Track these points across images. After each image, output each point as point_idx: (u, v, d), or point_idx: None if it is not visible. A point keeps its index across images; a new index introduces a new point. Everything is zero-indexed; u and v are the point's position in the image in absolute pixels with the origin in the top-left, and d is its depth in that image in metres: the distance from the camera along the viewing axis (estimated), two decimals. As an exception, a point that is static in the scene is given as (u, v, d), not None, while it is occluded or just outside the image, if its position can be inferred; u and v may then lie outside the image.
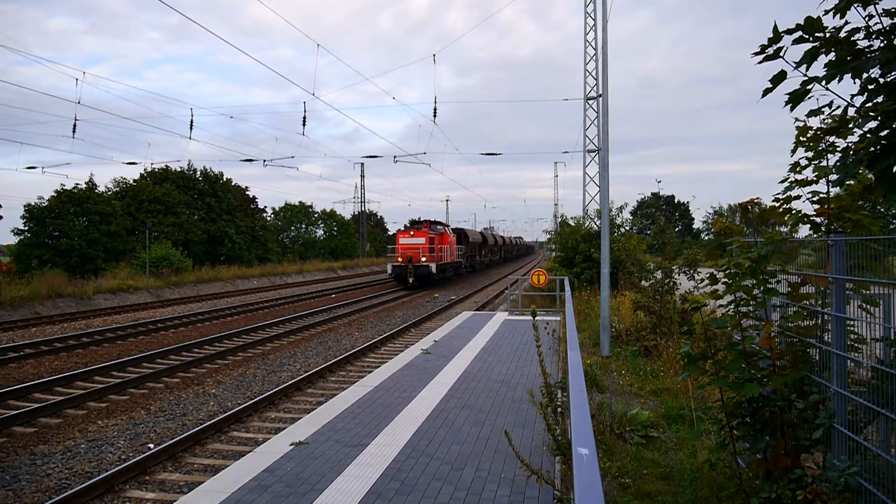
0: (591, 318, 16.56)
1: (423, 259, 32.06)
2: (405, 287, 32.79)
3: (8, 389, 10.03)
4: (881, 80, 3.27)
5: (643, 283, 18.90)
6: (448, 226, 40.61)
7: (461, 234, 43.95)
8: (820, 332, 4.37)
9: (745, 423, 4.33)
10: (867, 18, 3.25)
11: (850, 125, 4.00)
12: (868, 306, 3.89)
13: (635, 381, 10.21)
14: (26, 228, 36.74)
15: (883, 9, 3.19)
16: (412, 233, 33.43)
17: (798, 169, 4.79)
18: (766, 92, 3.55)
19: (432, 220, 38.05)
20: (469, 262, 46.00)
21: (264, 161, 32.01)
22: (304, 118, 25.63)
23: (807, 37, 3.34)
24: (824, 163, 4.62)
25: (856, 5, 3.23)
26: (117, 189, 44.67)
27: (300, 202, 70.48)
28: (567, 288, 15.55)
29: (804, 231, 5.09)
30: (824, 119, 4.29)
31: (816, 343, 4.36)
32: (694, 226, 77.27)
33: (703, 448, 6.32)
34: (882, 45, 3.21)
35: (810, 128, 4.58)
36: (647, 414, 7.91)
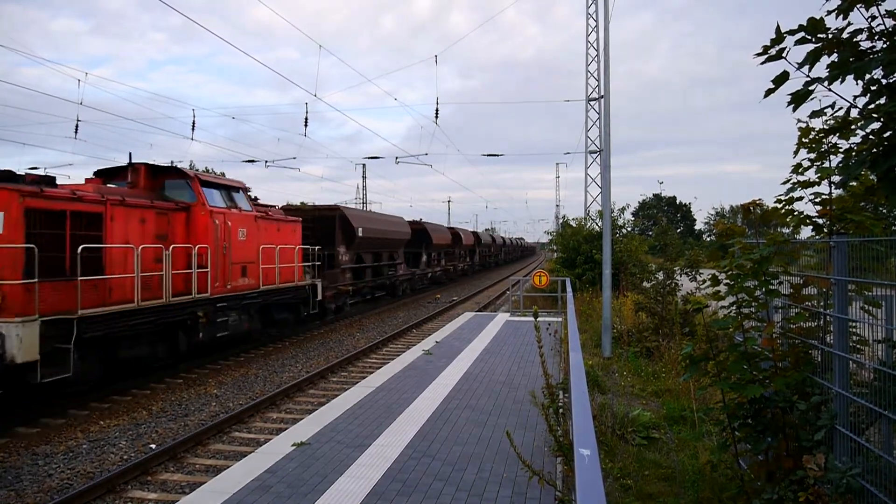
0: (593, 320, 16.55)
1: None
2: None
3: (10, 390, 10.02)
4: (884, 82, 3.27)
5: (645, 284, 18.89)
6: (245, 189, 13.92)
7: (335, 219, 19.48)
8: (822, 334, 4.37)
9: (747, 425, 4.33)
10: (870, 20, 3.25)
11: (853, 126, 4.00)
12: (870, 308, 3.89)
13: (637, 383, 10.20)
14: (28, 229, 36.60)
15: (886, 10, 3.19)
16: None
17: (800, 170, 4.79)
18: (769, 92, 3.55)
19: (172, 164, 12.94)
20: (372, 283, 23.31)
21: (266, 162, 31.97)
22: (306, 119, 25.50)
23: (809, 38, 3.35)
24: (826, 164, 4.63)
25: (858, 6, 3.24)
26: (119, 189, 44.59)
27: (302, 203, 70.38)
28: (569, 289, 15.54)
29: (806, 232, 5.09)
30: (826, 120, 4.29)
31: (818, 344, 4.36)
32: (696, 227, 77.24)
33: (704, 449, 6.31)
34: (885, 46, 3.21)
35: (813, 129, 4.59)
36: (649, 415, 7.90)
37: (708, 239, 61.65)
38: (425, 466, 5.59)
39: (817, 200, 4.75)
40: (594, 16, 24.06)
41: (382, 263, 24.38)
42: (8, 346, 7.70)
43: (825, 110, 3.87)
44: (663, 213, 63.17)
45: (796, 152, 4.74)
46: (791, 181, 4.82)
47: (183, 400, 10.02)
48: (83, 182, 10.64)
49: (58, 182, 9.62)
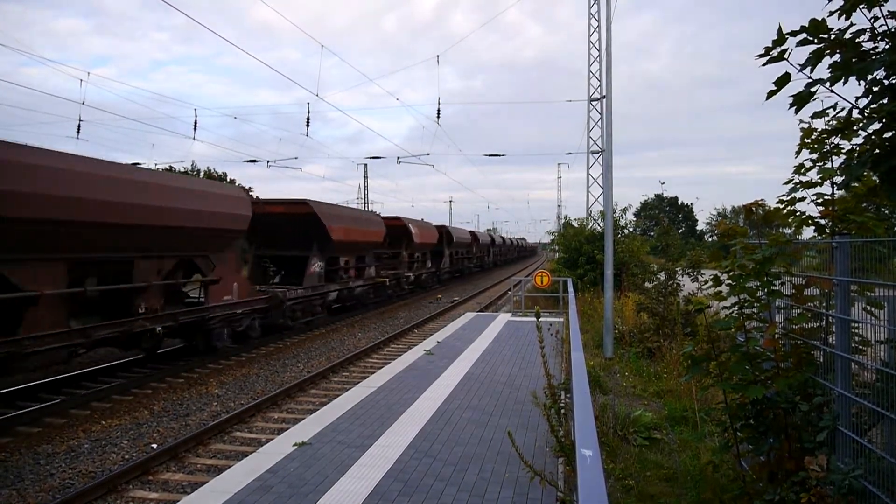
0: (595, 320, 16.54)
1: None
2: None
3: (14, 389, 10.06)
4: (886, 83, 3.26)
5: (646, 284, 18.88)
6: None
7: None
8: (824, 335, 4.36)
9: (749, 426, 4.32)
10: (872, 20, 3.25)
11: (855, 127, 4.00)
12: (872, 308, 3.88)
13: (638, 383, 10.20)
14: (30, 228, 36.49)
15: (888, 11, 3.18)
16: None
17: (802, 171, 4.79)
18: (771, 94, 3.54)
19: None
20: (121, 330, 9.60)
21: (268, 162, 32.04)
22: (308, 119, 25.52)
23: (811, 39, 3.34)
24: (829, 165, 4.62)
25: (861, 7, 3.23)
26: (121, 189, 44.37)
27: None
28: (570, 289, 15.54)
29: (808, 233, 5.09)
30: (829, 121, 4.29)
31: (820, 345, 4.36)
32: (698, 227, 77.19)
33: (706, 450, 6.31)
34: (887, 46, 3.20)
35: (815, 130, 4.58)
36: (651, 416, 7.90)
37: (710, 239, 61.57)
38: (427, 467, 5.59)
39: (819, 201, 4.75)
40: (596, 16, 24.06)
41: (182, 281, 12.03)
42: None
43: (827, 111, 3.86)
44: (665, 213, 63.17)
45: (798, 153, 4.74)
46: (793, 182, 4.82)
47: (184, 399, 10.03)
48: None
49: None
